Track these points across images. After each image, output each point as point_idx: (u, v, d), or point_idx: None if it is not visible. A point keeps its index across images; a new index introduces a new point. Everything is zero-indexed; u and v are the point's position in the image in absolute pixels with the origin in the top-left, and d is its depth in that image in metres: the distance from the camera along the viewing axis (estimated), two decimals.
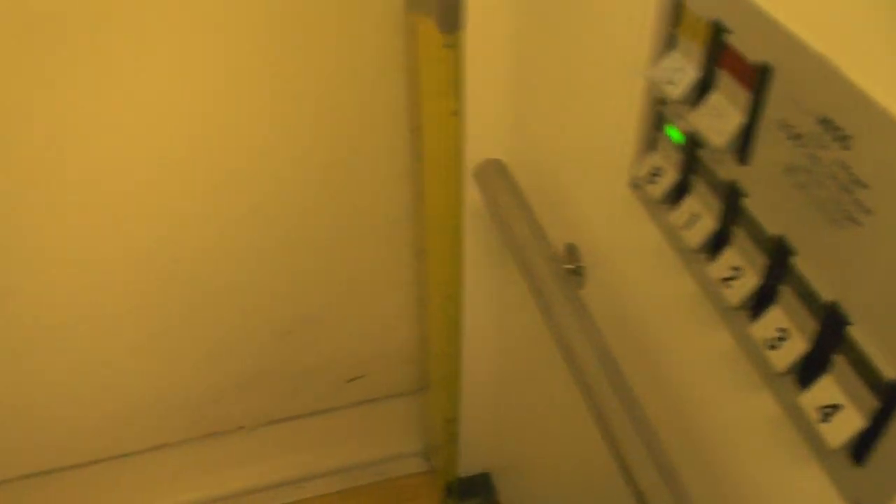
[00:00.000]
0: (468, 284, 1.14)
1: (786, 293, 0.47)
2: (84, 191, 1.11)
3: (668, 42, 0.55)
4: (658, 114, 0.59)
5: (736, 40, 0.48)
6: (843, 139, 0.40)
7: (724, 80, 0.50)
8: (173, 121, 1.07)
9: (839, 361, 0.43)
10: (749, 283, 0.50)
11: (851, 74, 0.39)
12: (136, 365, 1.36)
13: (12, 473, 1.44)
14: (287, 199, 1.19)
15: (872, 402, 0.41)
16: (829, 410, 0.44)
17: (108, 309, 1.27)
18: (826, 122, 0.41)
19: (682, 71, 0.53)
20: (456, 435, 1.43)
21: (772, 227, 0.48)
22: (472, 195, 0.99)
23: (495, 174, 0.86)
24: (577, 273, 0.80)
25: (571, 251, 0.83)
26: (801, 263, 0.46)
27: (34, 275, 1.19)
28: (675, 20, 0.54)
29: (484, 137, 0.94)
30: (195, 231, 1.21)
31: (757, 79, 0.46)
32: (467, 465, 1.52)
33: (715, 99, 0.51)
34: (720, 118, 0.49)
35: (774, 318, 0.48)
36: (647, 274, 0.67)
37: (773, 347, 0.47)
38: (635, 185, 0.66)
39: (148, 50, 0.99)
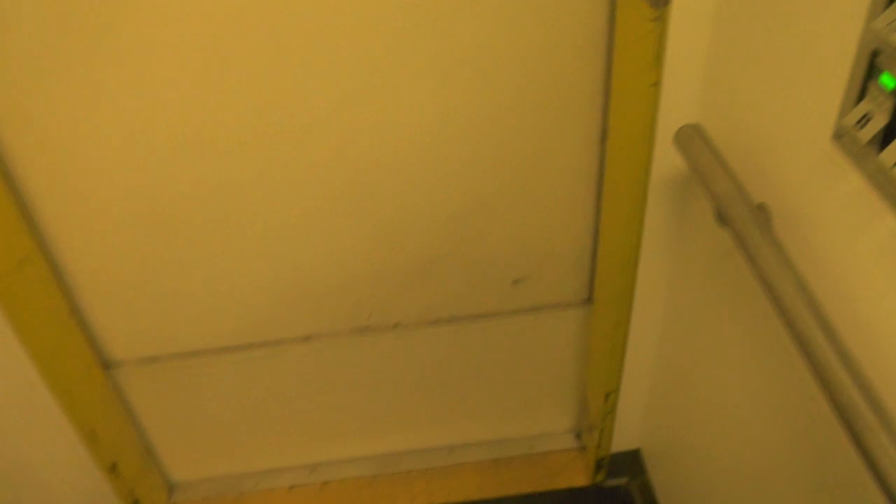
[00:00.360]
0: (644, 256, 1.23)
1: None
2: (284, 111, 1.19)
3: None
4: (871, 64, 0.68)
5: None
6: None
7: None
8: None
9: None
10: None
11: None
12: (302, 250, 1.36)
13: (186, 349, 1.52)
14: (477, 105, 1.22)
15: None
16: None
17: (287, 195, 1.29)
18: None
19: None
20: (614, 409, 1.51)
21: None
22: (662, 163, 1.10)
23: (695, 137, 0.96)
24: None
25: (762, 209, 0.92)
26: None
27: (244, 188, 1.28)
28: None
29: (679, 105, 1.04)
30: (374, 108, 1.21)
31: None
32: (619, 441, 1.60)
33: None
34: None
35: None
36: (849, 222, 0.75)
37: None
38: (840, 136, 0.74)
39: None
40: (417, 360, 1.56)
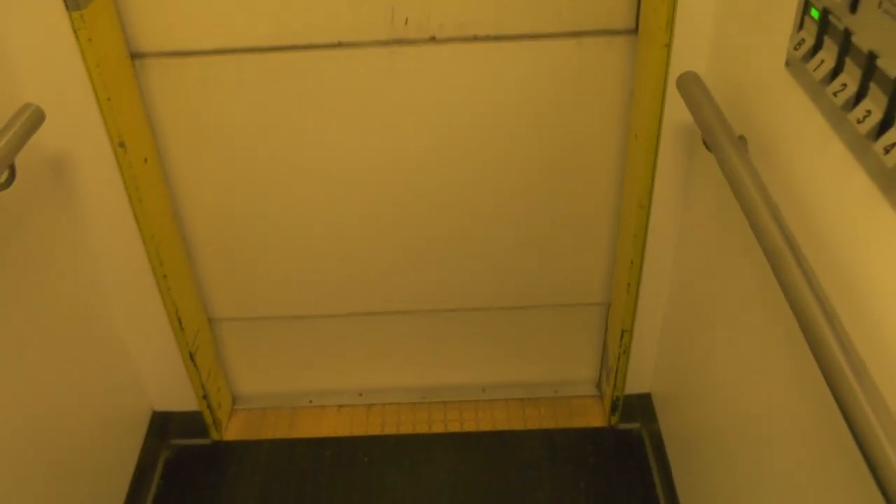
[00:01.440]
0: (657, 194, 1.44)
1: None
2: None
3: None
4: (807, 2, 0.89)
5: None
6: None
7: None
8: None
9: None
10: (850, 90, 0.79)
11: None
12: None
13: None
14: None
15: None
16: (890, 146, 0.73)
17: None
18: None
19: None
20: (628, 349, 1.71)
21: (865, 46, 0.77)
22: (673, 109, 1.31)
23: (691, 81, 1.17)
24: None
25: (742, 140, 1.13)
26: (887, 65, 0.74)
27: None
28: None
29: (688, 62, 1.26)
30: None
31: None
32: (632, 383, 1.79)
33: None
34: None
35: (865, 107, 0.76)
36: (801, 139, 0.96)
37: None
38: (789, 63, 0.96)
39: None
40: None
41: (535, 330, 1.87)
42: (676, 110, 1.32)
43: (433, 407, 1.96)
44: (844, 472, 0.88)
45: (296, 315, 1.81)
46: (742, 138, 1.13)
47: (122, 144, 1.37)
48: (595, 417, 1.91)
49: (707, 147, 1.12)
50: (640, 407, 1.84)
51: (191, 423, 1.85)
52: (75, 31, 1.24)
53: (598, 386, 1.96)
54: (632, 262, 1.54)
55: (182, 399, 1.81)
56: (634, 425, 1.88)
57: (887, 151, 0.73)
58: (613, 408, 1.84)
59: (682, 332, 1.56)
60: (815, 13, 0.88)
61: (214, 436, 1.89)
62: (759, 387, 1.15)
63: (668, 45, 1.26)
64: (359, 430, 1.92)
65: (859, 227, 0.82)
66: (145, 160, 1.45)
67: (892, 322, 0.75)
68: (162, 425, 1.85)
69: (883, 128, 0.75)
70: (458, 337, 1.89)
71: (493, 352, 1.92)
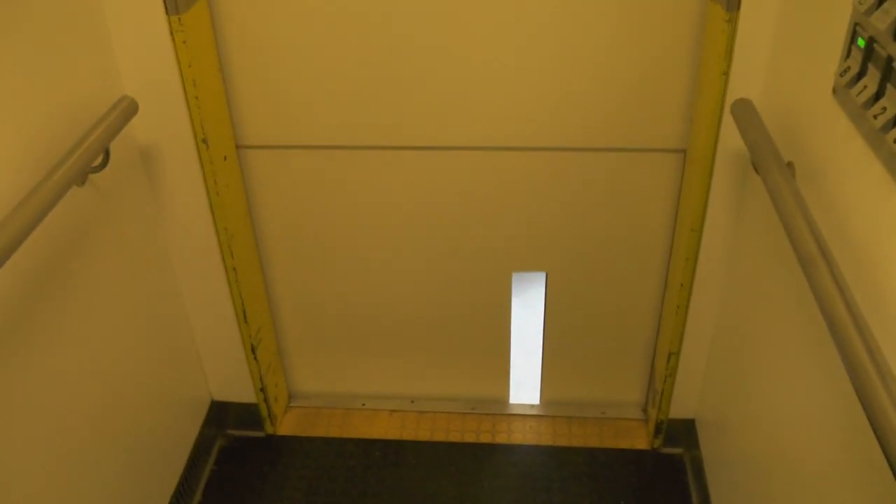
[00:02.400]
0: (709, 218, 1.48)
1: None
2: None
3: None
4: (854, 32, 0.94)
5: None
6: None
7: None
8: None
9: None
10: (889, 113, 0.83)
11: None
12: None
13: None
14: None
15: None
16: None
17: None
18: None
19: None
20: (675, 372, 1.74)
21: None
22: (727, 136, 1.36)
23: (744, 108, 1.22)
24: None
25: (790, 166, 1.17)
26: None
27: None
28: None
29: (744, 90, 1.31)
30: None
31: None
32: (677, 408, 1.82)
33: (888, 5, 0.85)
34: (887, 14, 0.84)
35: None
36: (844, 164, 0.99)
37: None
38: (836, 90, 1.00)
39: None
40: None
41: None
42: (732, 137, 1.36)
43: (482, 418, 2.01)
44: None
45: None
46: (790, 164, 1.17)
47: (205, 141, 1.47)
48: (639, 440, 1.93)
49: (756, 171, 1.16)
50: (684, 432, 1.86)
51: (247, 414, 1.94)
52: (172, 34, 1.35)
53: (645, 410, 1.98)
54: (681, 285, 1.58)
55: (240, 391, 1.90)
56: (677, 450, 1.89)
57: None
58: (657, 431, 1.86)
59: (727, 359, 1.58)
60: (861, 42, 0.92)
61: (269, 429, 1.97)
62: (802, 420, 1.16)
63: (726, 73, 1.31)
64: (409, 434, 1.98)
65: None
66: (225, 158, 1.56)
67: None
68: (219, 415, 1.94)
69: None
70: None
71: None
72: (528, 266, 1.76)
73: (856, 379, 0.76)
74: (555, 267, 1.75)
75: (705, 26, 1.38)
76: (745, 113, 1.22)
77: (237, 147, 1.61)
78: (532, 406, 2.02)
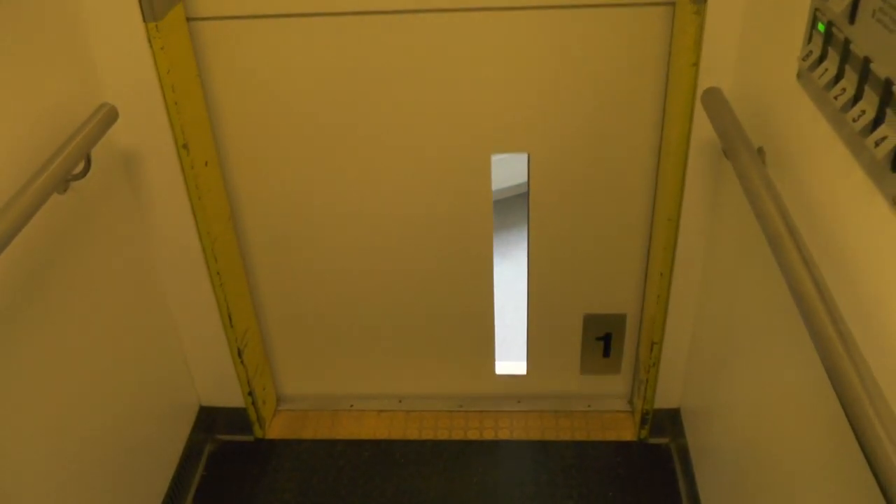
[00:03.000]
0: (685, 207, 1.50)
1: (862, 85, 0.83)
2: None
3: None
4: (814, 17, 0.97)
5: None
6: None
7: None
8: None
9: (890, 115, 0.78)
10: (848, 93, 0.85)
11: None
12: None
13: None
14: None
15: None
16: (880, 140, 0.79)
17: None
18: None
19: None
20: (658, 361, 1.76)
21: (861, 52, 0.84)
22: (699, 124, 1.38)
23: (714, 96, 1.24)
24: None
25: (760, 152, 1.19)
26: (878, 67, 0.81)
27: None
28: None
29: (710, 76, 1.33)
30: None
31: None
32: (661, 398, 1.84)
33: None
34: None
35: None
36: (809, 145, 1.02)
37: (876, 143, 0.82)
38: (799, 75, 1.03)
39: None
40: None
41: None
42: (704, 126, 1.38)
43: (470, 415, 2.03)
44: (865, 490, 0.89)
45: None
46: (761, 149, 1.20)
47: (185, 146, 1.49)
48: (626, 431, 1.95)
49: (727, 157, 1.19)
50: (669, 422, 1.88)
51: (236, 419, 1.95)
52: (150, 40, 1.37)
53: (631, 402, 2.00)
54: (661, 274, 1.60)
55: (229, 395, 1.91)
56: (664, 440, 1.92)
57: (877, 144, 0.79)
58: (643, 421, 1.88)
59: (709, 346, 1.61)
60: (821, 27, 0.95)
61: (258, 433, 1.98)
62: (783, 405, 1.18)
63: (696, 64, 1.33)
64: (397, 433, 1.99)
65: (859, 221, 0.88)
66: (206, 163, 1.57)
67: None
68: (208, 420, 1.95)
69: (875, 125, 0.81)
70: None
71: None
72: (510, 146, 1.65)
73: (825, 356, 0.78)
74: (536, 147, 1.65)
75: (674, 18, 1.40)
76: (714, 101, 1.24)
77: (218, 152, 1.63)
78: (519, 401, 2.04)
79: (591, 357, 1.97)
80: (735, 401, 1.43)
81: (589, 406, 2.01)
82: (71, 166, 1.24)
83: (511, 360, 2.03)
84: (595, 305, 1.86)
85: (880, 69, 0.80)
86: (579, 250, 1.76)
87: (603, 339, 1.93)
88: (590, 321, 1.90)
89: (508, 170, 2.44)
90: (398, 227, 1.74)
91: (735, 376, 1.42)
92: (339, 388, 2.07)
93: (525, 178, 1.67)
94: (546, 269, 1.81)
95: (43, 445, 1.28)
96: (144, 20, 1.36)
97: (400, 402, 2.07)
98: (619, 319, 1.88)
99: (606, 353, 1.96)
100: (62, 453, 1.34)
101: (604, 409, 2.01)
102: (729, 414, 1.47)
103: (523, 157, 1.64)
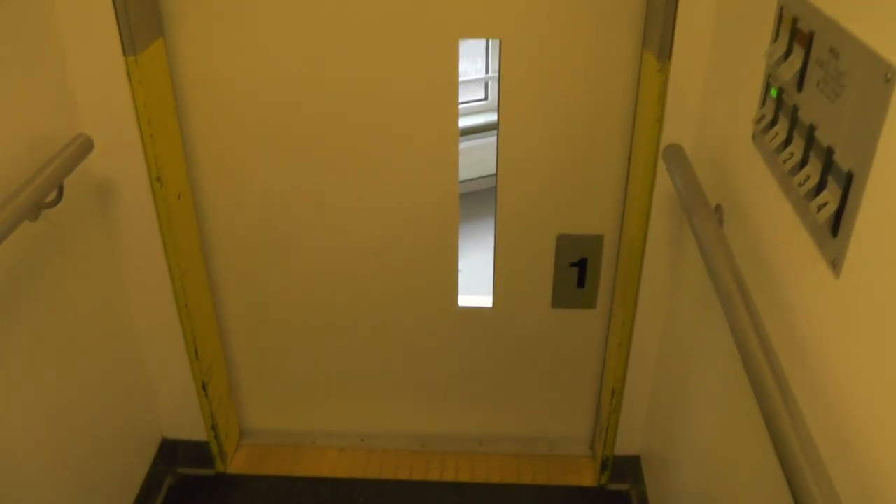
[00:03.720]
0: (647, 258, 1.54)
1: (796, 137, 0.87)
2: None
3: (774, 36, 0.98)
4: (767, 83, 1.01)
5: (802, 24, 0.90)
6: (836, 54, 0.81)
7: (796, 47, 0.92)
8: None
9: (831, 182, 0.82)
10: (796, 157, 0.90)
11: (845, 25, 0.80)
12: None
13: None
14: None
15: (839, 192, 0.80)
16: (822, 205, 0.83)
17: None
18: (832, 51, 0.83)
19: (778, 51, 0.96)
20: (619, 408, 1.78)
21: (807, 119, 0.88)
22: (662, 178, 1.42)
23: (675, 153, 1.29)
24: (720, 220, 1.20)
25: (718, 209, 1.23)
26: (821, 135, 0.85)
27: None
28: (778, 22, 0.97)
29: (673, 132, 1.38)
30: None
31: (808, 39, 0.88)
32: (622, 445, 1.86)
33: (792, 59, 0.93)
34: (791, 66, 0.91)
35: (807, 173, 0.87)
36: (763, 207, 1.06)
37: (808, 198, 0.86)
38: (754, 136, 1.07)
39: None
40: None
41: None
42: (667, 180, 1.43)
43: (431, 455, 2.03)
44: None
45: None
46: (719, 206, 1.24)
47: (159, 179, 1.51)
48: (587, 476, 1.97)
49: (685, 215, 1.22)
50: (630, 468, 1.90)
51: (198, 452, 1.94)
52: (129, 73, 1.40)
53: (592, 447, 2.02)
54: (623, 322, 1.63)
55: (191, 428, 1.91)
56: (624, 486, 1.93)
57: (819, 209, 0.83)
58: (604, 467, 1.90)
59: (669, 395, 1.63)
60: (773, 92, 0.99)
61: (219, 467, 1.98)
62: (733, 457, 1.20)
63: (660, 120, 1.38)
64: (358, 472, 1.99)
65: (804, 281, 0.91)
66: (179, 196, 1.59)
67: (836, 383, 0.84)
68: (170, 452, 1.94)
69: (819, 190, 0.85)
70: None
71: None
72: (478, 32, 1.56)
73: (767, 415, 0.81)
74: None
75: (640, 74, 1.45)
76: (674, 157, 1.28)
77: (191, 185, 1.65)
78: (481, 443, 2.05)
79: (565, 287, 1.79)
80: (692, 450, 1.45)
81: (550, 450, 2.03)
82: (44, 194, 1.26)
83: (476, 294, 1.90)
84: (570, 225, 1.71)
85: (824, 137, 0.84)
86: (553, 161, 1.63)
87: (578, 265, 1.76)
88: (563, 243, 1.73)
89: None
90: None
91: (691, 426, 1.45)
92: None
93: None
94: (515, 183, 1.67)
95: (0, 472, 1.28)
96: (124, 53, 1.39)
97: (362, 440, 2.07)
98: (596, 242, 1.72)
99: (581, 282, 1.78)
100: (21, 481, 1.34)
101: (565, 454, 2.03)
102: (686, 462, 1.50)
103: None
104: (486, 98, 3.71)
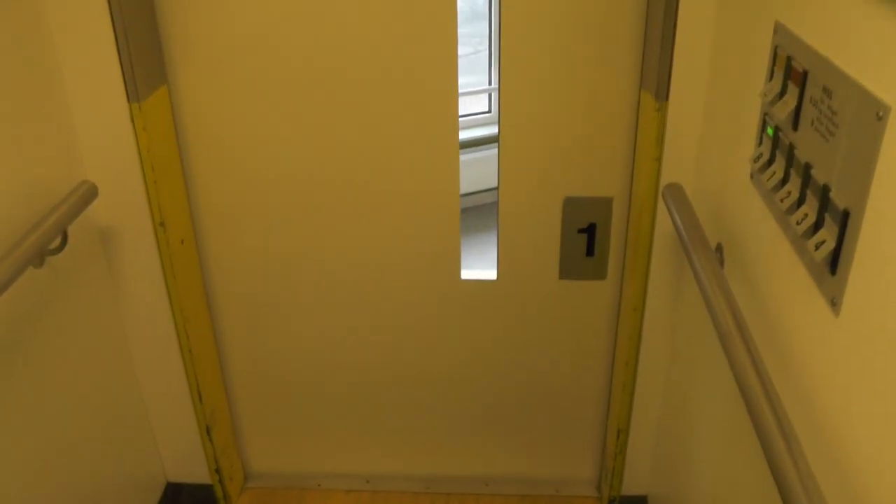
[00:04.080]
0: (650, 299, 1.54)
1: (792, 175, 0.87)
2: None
3: (769, 76, 0.99)
4: (764, 122, 1.02)
5: (796, 63, 0.91)
6: (829, 93, 0.82)
7: (790, 86, 0.92)
8: None
9: (828, 220, 0.83)
10: (793, 196, 0.90)
11: (838, 64, 0.81)
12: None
13: None
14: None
15: (836, 230, 0.80)
16: (819, 243, 0.83)
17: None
18: (825, 89, 0.83)
19: (773, 90, 0.97)
20: (624, 448, 1.77)
21: (803, 158, 0.89)
22: (662, 217, 1.43)
23: (674, 192, 1.29)
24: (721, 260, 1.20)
25: (719, 248, 1.24)
26: (817, 174, 0.86)
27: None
28: (772, 62, 0.98)
29: (672, 171, 1.38)
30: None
31: (802, 77, 0.89)
32: (629, 485, 1.84)
33: (787, 98, 0.93)
34: (786, 105, 0.92)
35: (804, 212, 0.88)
36: (762, 245, 1.06)
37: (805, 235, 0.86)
38: (752, 174, 1.07)
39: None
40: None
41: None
42: (668, 219, 1.43)
43: (436, 497, 2.02)
44: None
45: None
46: (720, 245, 1.24)
47: (162, 224, 1.52)
48: None
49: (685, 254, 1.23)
50: None
51: (202, 495, 1.93)
52: (132, 120, 1.41)
53: (598, 488, 2.00)
54: (626, 363, 1.63)
55: (195, 472, 1.90)
56: None
57: (817, 248, 0.83)
58: None
59: (674, 435, 1.62)
60: (770, 131, 1.00)
61: None
62: (742, 495, 1.19)
63: (658, 159, 1.39)
64: None
65: (803, 319, 0.91)
66: (182, 241, 1.60)
67: (836, 421, 0.84)
68: (174, 496, 1.93)
69: (816, 228, 0.86)
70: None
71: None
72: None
73: (766, 446, 0.81)
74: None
75: (639, 114, 1.46)
76: (674, 197, 1.29)
77: (195, 230, 1.66)
78: (486, 484, 2.03)
79: (573, 255, 1.68)
80: (699, 489, 1.44)
81: (556, 491, 2.01)
82: (47, 242, 1.27)
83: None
84: (577, 187, 1.60)
85: (819, 175, 0.85)
86: (560, 119, 1.54)
87: (586, 231, 1.65)
88: (571, 207, 1.62)
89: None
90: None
91: (697, 465, 1.44)
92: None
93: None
94: (519, 144, 1.57)
95: None
96: (128, 100, 1.40)
97: (367, 482, 2.06)
98: (605, 205, 1.61)
99: (590, 250, 1.67)
100: None
101: (571, 494, 2.00)
102: (694, 502, 1.48)
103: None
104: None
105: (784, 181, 0.95)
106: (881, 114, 0.72)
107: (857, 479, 0.77)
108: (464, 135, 1.57)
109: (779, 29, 0.98)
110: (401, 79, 1.50)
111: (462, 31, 1.48)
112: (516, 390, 1.87)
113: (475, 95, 3.73)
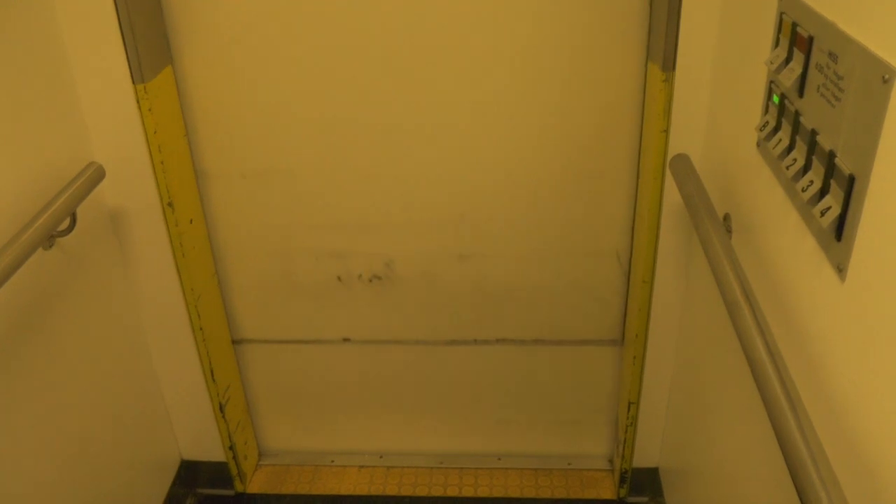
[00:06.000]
0: (658, 270, 1.54)
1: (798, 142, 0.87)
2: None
3: (775, 43, 0.98)
4: (770, 90, 1.01)
5: (801, 29, 0.90)
6: (835, 58, 0.81)
7: (796, 52, 0.92)
8: None
9: (833, 186, 0.82)
10: (799, 163, 0.90)
11: (844, 28, 0.80)
12: None
13: None
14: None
15: (841, 196, 0.79)
16: (825, 210, 0.83)
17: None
18: (831, 54, 0.83)
19: (779, 57, 0.96)
20: (635, 421, 1.77)
21: (809, 125, 0.88)
22: (671, 189, 1.42)
23: (681, 163, 1.29)
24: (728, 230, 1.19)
25: (726, 218, 1.23)
26: (823, 140, 0.85)
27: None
28: (778, 29, 0.97)
29: (679, 143, 1.38)
30: None
31: (808, 43, 0.88)
32: (640, 457, 1.85)
33: (792, 64, 0.93)
34: (792, 72, 0.91)
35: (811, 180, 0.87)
36: (769, 212, 1.06)
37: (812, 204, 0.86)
38: (758, 143, 1.07)
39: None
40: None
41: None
42: (676, 191, 1.42)
43: (450, 472, 2.03)
44: None
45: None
46: (727, 216, 1.24)
47: (170, 205, 1.52)
48: (605, 490, 1.96)
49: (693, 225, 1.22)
50: (648, 481, 1.89)
51: (217, 473, 1.95)
52: (138, 101, 1.41)
53: (610, 460, 2.01)
54: (636, 336, 1.63)
55: (210, 450, 1.92)
56: (643, 499, 1.92)
57: (823, 214, 0.83)
58: (622, 480, 1.89)
59: (685, 406, 1.62)
60: (776, 99, 0.99)
61: (238, 487, 1.98)
62: (749, 466, 1.20)
63: (666, 131, 1.38)
64: (377, 489, 1.99)
65: (810, 286, 0.91)
66: (191, 220, 1.60)
67: (844, 387, 0.84)
68: (189, 474, 1.95)
69: (822, 194, 0.85)
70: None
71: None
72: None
73: (773, 414, 0.81)
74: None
75: (646, 86, 1.45)
76: (681, 168, 1.28)
77: (203, 210, 1.66)
78: (499, 458, 2.04)
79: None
80: (709, 461, 1.44)
81: (569, 464, 2.02)
82: (56, 223, 1.27)
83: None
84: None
85: (825, 141, 0.84)
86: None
87: None
88: None
89: None
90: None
91: (708, 436, 1.44)
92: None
93: None
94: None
95: (22, 496, 1.29)
96: (133, 82, 1.40)
97: (381, 457, 2.07)
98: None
99: None
100: None
101: (583, 468, 2.01)
102: (704, 474, 1.49)
103: None
104: None
105: (790, 148, 0.94)
106: (887, 77, 0.71)
107: (865, 446, 0.78)
108: None
109: None
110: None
111: None
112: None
113: None
